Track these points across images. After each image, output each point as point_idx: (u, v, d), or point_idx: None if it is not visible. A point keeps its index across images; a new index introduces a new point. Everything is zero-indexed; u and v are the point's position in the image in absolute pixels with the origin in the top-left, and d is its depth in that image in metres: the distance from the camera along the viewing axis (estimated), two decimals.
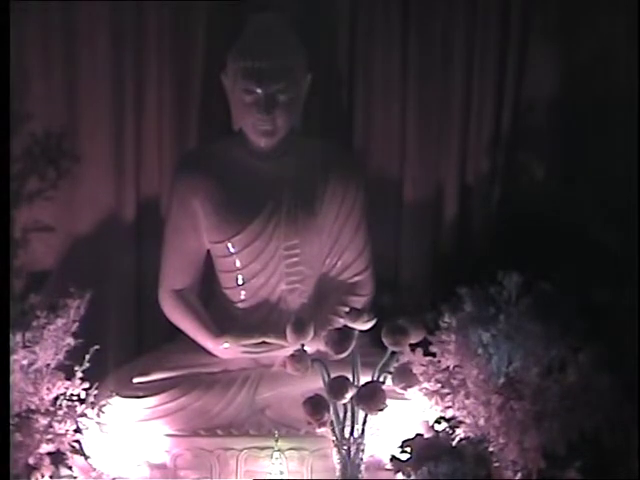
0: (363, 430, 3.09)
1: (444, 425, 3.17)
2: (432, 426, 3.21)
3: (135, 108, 3.70)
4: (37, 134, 3.64)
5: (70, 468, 3.14)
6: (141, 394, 3.32)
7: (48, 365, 3.12)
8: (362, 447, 3.10)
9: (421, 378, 3.15)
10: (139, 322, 3.80)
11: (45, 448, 3.08)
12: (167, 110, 3.73)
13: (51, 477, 3.08)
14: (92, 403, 3.16)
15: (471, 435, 3.09)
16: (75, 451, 3.17)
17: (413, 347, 3.16)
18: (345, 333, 3.06)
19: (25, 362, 3.07)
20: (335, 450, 3.10)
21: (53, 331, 3.12)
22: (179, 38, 3.69)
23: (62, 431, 3.11)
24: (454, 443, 3.11)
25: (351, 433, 3.08)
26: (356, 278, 3.59)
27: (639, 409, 2.95)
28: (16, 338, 3.03)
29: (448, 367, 3.17)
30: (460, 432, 3.10)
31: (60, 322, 3.13)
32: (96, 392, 3.18)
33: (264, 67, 3.37)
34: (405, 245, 3.86)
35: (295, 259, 3.51)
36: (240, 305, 3.58)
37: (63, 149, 3.67)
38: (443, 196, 3.84)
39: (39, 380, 3.10)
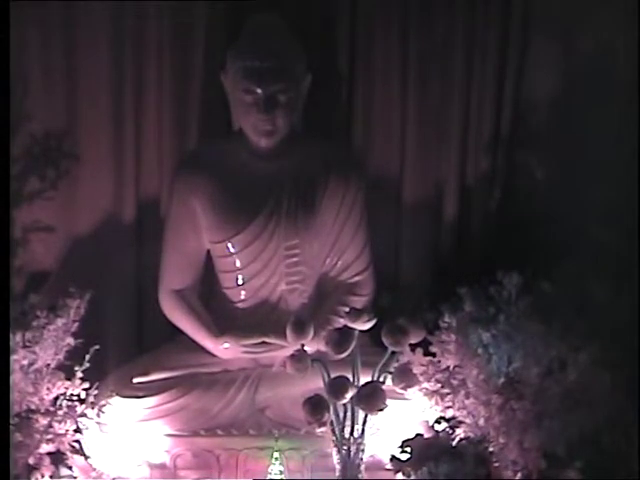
0: (363, 430, 3.09)
1: (444, 425, 3.17)
2: (432, 426, 3.21)
3: (135, 108, 3.70)
4: (37, 134, 3.64)
5: (70, 468, 3.14)
6: (141, 394, 3.32)
7: (48, 365, 3.12)
8: (362, 447, 3.10)
9: (421, 378, 3.15)
10: (139, 322, 3.80)
11: (45, 448, 3.08)
12: (167, 110, 3.73)
13: (51, 477, 3.08)
14: (92, 403, 3.16)
15: (471, 435, 3.09)
16: (75, 451, 3.17)
17: (413, 347, 3.16)
18: (345, 333, 3.06)
19: (25, 362, 3.07)
20: (335, 450, 3.10)
21: (53, 331, 3.12)
22: (179, 38, 3.69)
23: (62, 431, 3.11)
24: (454, 443, 3.11)
25: (351, 433, 3.08)
26: (356, 278, 3.59)
27: (639, 409, 2.95)
28: (16, 338, 3.03)
29: (448, 367, 3.17)
30: (460, 432, 3.10)
31: (60, 322, 3.14)
32: (96, 392, 3.18)
33: (264, 67, 3.37)
34: (405, 245, 3.86)
35: (295, 259, 3.51)
36: (240, 305, 3.58)
37: (63, 149, 3.67)
38: (443, 196, 3.84)
39: (39, 380, 3.10)
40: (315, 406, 3.03)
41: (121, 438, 3.27)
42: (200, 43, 3.70)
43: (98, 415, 3.18)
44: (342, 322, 3.13)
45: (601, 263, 3.27)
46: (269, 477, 3.16)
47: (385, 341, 3.07)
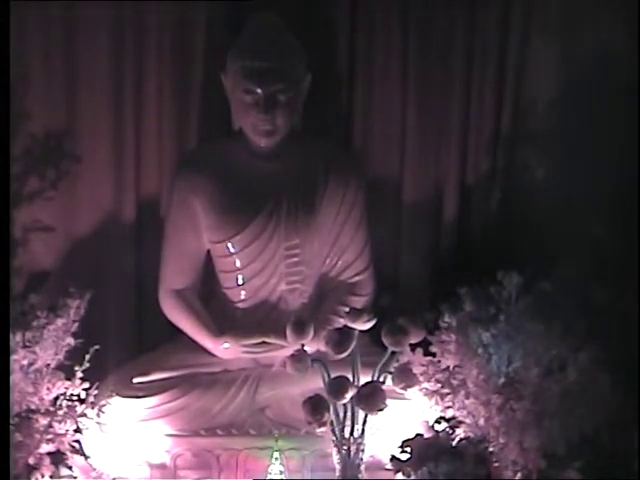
0: (363, 430, 3.08)
1: (444, 425, 3.17)
2: (432, 426, 3.21)
3: (135, 108, 3.70)
4: (37, 134, 3.64)
5: (70, 468, 3.14)
6: (141, 394, 3.32)
7: (48, 365, 3.12)
8: (362, 447, 3.10)
9: (421, 378, 3.15)
10: (139, 322, 3.80)
11: (45, 448, 3.08)
12: (167, 110, 3.73)
13: (51, 477, 3.08)
14: (92, 403, 3.16)
15: (471, 435, 3.09)
16: (75, 451, 3.17)
17: (413, 347, 3.16)
18: (345, 333, 3.06)
19: (25, 362, 3.07)
20: (335, 450, 3.10)
21: (53, 331, 3.12)
22: (179, 38, 3.69)
23: (62, 431, 3.11)
24: (454, 443, 3.11)
25: (351, 433, 3.08)
26: (356, 278, 3.59)
27: (639, 409, 2.95)
28: (16, 338, 3.03)
29: (448, 367, 3.17)
30: (460, 432, 3.10)
31: (60, 322, 3.14)
32: (96, 392, 3.18)
33: (264, 67, 3.37)
34: (405, 245, 3.86)
35: (295, 259, 3.51)
36: (240, 305, 3.58)
37: (63, 149, 3.67)
38: (443, 196, 3.84)
39: (39, 380, 3.10)
40: (315, 406, 3.03)
41: (121, 438, 3.27)
42: (200, 43, 3.70)
43: (98, 415, 3.18)
44: (342, 322, 3.14)
45: (601, 263, 3.27)
46: (269, 477, 3.16)
47: (385, 341, 3.07)
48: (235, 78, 3.43)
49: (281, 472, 3.15)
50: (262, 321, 3.52)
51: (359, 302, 3.52)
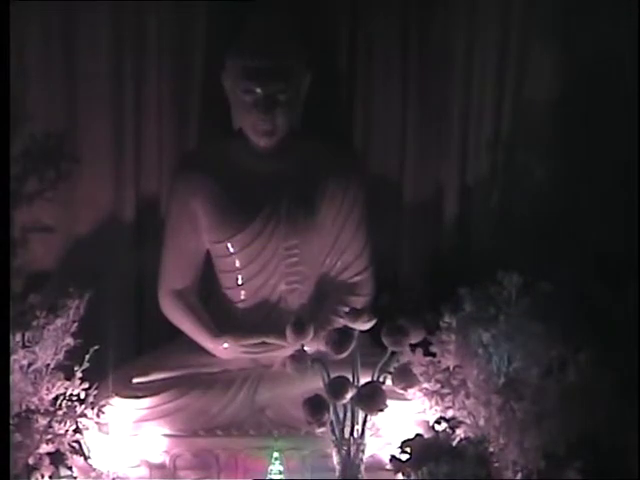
0: (363, 430, 3.09)
1: (444, 425, 3.17)
2: (432, 426, 3.21)
3: (135, 108, 3.70)
4: (37, 135, 3.64)
5: (70, 468, 3.14)
6: (141, 394, 3.32)
7: (48, 365, 3.12)
8: (362, 447, 3.10)
9: (421, 378, 3.15)
10: (139, 322, 3.80)
11: (45, 448, 3.08)
12: (167, 110, 3.73)
13: (51, 477, 3.08)
14: (92, 403, 3.17)
15: (471, 435, 3.09)
16: (75, 451, 3.18)
17: (413, 347, 3.16)
18: (345, 333, 3.06)
19: (25, 362, 3.07)
20: (335, 450, 3.10)
21: (53, 331, 3.12)
22: (179, 38, 3.69)
23: (62, 431, 3.11)
24: (454, 443, 3.11)
25: (351, 433, 3.08)
26: (356, 278, 3.59)
27: (639, 409, 2.95)
28: (16, 338, 3.03)
29: (448, 367, 3.17)
30: (460, 432, 3.10)
31: (60, 322, 3.14)
32: (96, 392, 3.18)
33: (264, 67, 3.37)
34: (405, 245, 3.86)
35: (295, 259, 3.51)
36: (240, 305, 3.58)
37: (63, 150, 3.67)
38: (443, 196, 3.84)
39: (39, 380, 3.10)
40: (315, 406, 3.03)
41: (121, 438, 3.26)
42: (200, 43, 3.70)
43: (98, 415, 3.18)
44: (342, 322, 3.14)
45: (601, 263, 3.27)
46: (269, 477, 3.16)
47: (385, 341, 3.07)
48: (235, 78, 3.43)
49: (281, 472, 3.15)
50: (262, 321, 3.52)
51: (359, 302, 3.52)
